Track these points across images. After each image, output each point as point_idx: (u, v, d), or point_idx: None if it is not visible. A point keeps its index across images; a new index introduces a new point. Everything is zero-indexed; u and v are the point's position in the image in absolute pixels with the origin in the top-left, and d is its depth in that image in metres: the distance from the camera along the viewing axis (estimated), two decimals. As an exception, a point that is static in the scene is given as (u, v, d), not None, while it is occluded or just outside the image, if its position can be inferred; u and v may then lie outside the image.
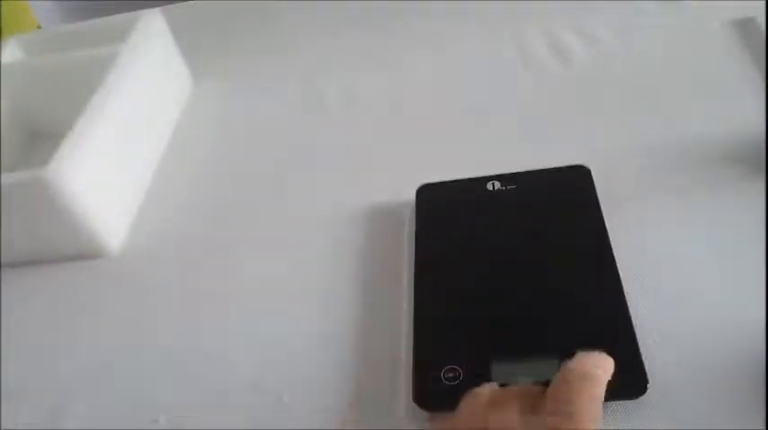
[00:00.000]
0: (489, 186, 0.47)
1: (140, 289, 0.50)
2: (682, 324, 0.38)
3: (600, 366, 0.33)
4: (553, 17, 0.63)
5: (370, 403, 0.39)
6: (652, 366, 0.35)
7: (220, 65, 0.69)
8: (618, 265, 0.40)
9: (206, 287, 0.49)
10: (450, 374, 0.37)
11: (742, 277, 0.39)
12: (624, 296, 0.38)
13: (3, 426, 0.43)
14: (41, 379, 0.46)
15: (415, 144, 0.55)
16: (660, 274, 0.41)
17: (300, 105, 0.62)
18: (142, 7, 0.64)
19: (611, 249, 0.41)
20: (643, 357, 0.36)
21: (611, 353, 0.36)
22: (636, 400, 0.35)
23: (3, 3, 1.07)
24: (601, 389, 0.32)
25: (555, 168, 0.47)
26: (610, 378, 0.33)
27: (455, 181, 0.48)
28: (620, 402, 0.35)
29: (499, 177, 0.47)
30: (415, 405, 0.37)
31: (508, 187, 0.47)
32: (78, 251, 0.52)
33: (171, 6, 0.75)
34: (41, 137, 0.64)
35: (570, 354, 0.34)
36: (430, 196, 0.48)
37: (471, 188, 0.47)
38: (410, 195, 0.48)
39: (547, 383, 0.34)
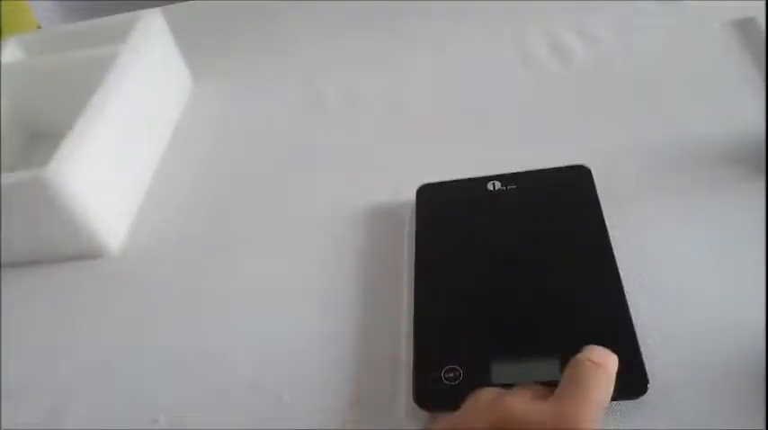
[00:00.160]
0: (489, 186, 0.47)
1: (140, 289, 0.50)
2: (682, 324, 0.38)
3: (610, 357, 0.33)
4: (553, 17, 0.63)
5: (370, 403, 0.39)
6: (652, 366, 0.35)
7: (220, 65, 0.69)
8: (618, 265, 0.40)
9: (206, 287, 0.49)
10: (451, 374, 0.37)
11: (742, 277, 0.39)
12: (624, 296, 0.38)
13: (3, 426, 0.43)
14: (41, 379, 0.46)
15: (415, 144, 0.55)
16: (660, 274, 0.41)
17: (300, 105, 0.62)
18: (142, 7, 0.64)
19: (611, 249, 0.41)
20: (643, 357, 0.36)
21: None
22: (636, 400, 0.35)
23: (3, 3, 1.07)
24: (612, 378, 0.33)
25: (555, 168, 0.47)
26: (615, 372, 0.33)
27: (455, 181, 0.48)
28: (621, 402, 0.35)
29: (499, 177, 0.47)
30: (415, 405, 0.37)
31: (508, 187, 0.47)
32: (78, 251, 0.52)
33: (171, 6, 0.75)
34: (41, 137, 0.64)
35: (571, 353, 0.34)
36: (430, 196, 0.48)
37: (471, 188, 0.47)
38: (410, 195, 0.48)
39: (548, 384, 0.34)
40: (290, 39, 0.71)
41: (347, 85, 0.62)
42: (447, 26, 0.66)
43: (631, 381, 0.35)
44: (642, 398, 0.35)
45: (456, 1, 0.68)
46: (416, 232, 0.46)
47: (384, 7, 0.70)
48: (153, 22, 0.62)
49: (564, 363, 0.36)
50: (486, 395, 0.33)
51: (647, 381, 0.35)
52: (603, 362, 0.33)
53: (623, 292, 0.39)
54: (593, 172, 0.46)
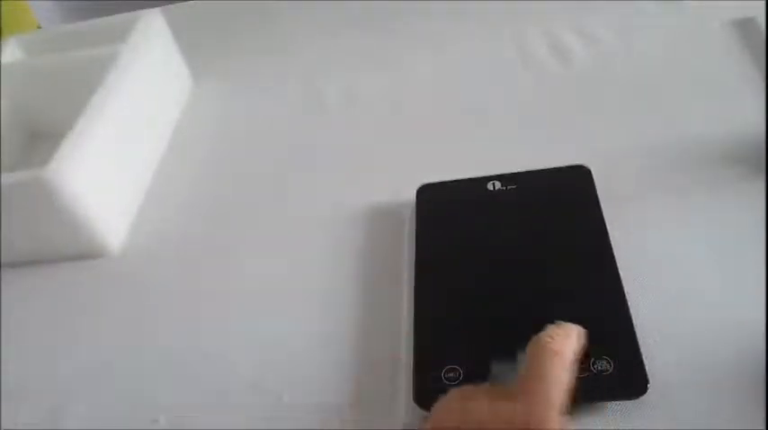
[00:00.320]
0: (489, 186, 0.47)
1: (140, 289, 0.50)
2: (682, 324, 0.38)
3: (568, 341, 0.33)
4: (553, 17, 0.63)
5: (370, 403, 0.39)
6: (652, 366, 0.35)
7: (220, 65, 0.69)
8: (618, 265, 0.40)
9: (206, 287, 0.49)
10: (451, 374, 0.37)
11: (742, 277, 0.39)
12: (624, 296, 0.38)
13: (3, 426, 0.43)
14: (41, 379, 0.46)
15: (415, 144, 0.55)
16: (660, 274, 0.41)
17: (300, 105, 0.62)
18: (142, 7, 0.64)
19: (611, 249, 0.41)
20: (643, 357, 0.36)
21: (611, 354, 0.36)
22: (636, 400, 0.35)
23: (3, 3, 1.07)
24: (567, 365, 0.32)
25: (555, 168, 0.47)
26: (581, 347, 0.33)
27: (455, 181, 0.48)
28: (620, 402, 0.35)
29: (499, 177, 0.47)
30: (415, 405, 0.37)
31: (508, 187, 0.47)
32: (78, 251, 0.52)
33: (171, 6, 0.75)
34: (41, 137, 0.64)
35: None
36: (430, 196, 0.48)
37: (471, 188, 0.47)
38: (410, 195, 0.48)
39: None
40: (290, 39, 0.71)
41: (347, 85, 0.62)
42: (447, 26, 0.66)
43: (631, 381, 0.35)
44: (642, 398, 0.35)
45: (456, 1, 0.68)
46: (416, 232, 0.46)
47: (384, 7, 0.70)
48: (153, 22, 0.62)
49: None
50: (458, 393, 0.33)
51: (647, 381, 0.35)
52: (561, 350, 0.32)
53: (623, 292, 0.39)
54: (593, 172, 0.46)
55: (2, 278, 0.53)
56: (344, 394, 0.40)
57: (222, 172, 0.58)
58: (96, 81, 0.54)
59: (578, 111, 0.54)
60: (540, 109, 0.55)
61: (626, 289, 0.39)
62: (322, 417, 0.39)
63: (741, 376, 0.35)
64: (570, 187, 0.46)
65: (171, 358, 0.44)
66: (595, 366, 0.36)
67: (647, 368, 0.35)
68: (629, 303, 0.38)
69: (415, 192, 0.48)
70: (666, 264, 0.41)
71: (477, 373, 0.36)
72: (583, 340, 0.33)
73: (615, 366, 0.35)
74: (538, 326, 0.38)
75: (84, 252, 0.52)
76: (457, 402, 0.32)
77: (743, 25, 0.56)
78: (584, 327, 0.38)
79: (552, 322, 0.38)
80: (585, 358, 0.36)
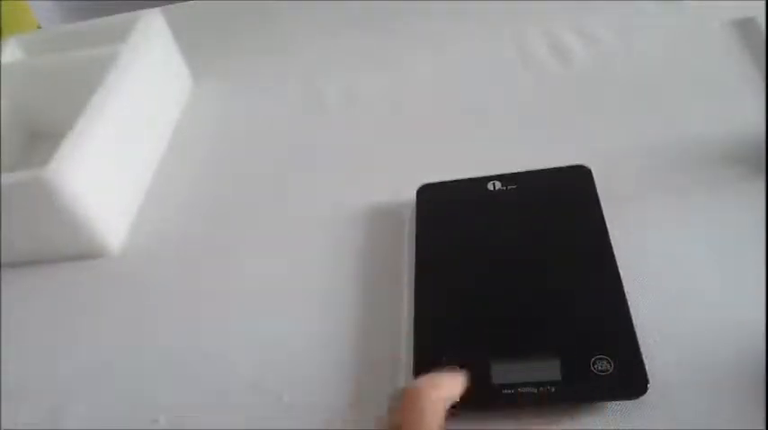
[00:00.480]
0: (489, 186, 0.47)
1: (140, 289, 0.50)
2: (682, 324, 0.38)
3: (441, 386, 0.33)
4: (553, 17, 0.63)
5: (370, 403, 0.39)
6: (652, 366, 0.35)
7: (220, 65, 0.69)
8: (618, 265, 0.40)
9: (206, 287, 0.49)
10: (451, 374, 0.37)
11: (742, 277, 0.39)
12: (624, 296, 0.38)
13: (3, 426, 0.43)
14: (41, 379, 0.46)
15: (415, 144, 0.55)
16: (660, 274, 0.41)
17: (300, 105, 0.62)
18: (142, 7, 0.64)
19: (611, 249, 0.41)
20: (643, 357, 0.36)
21: (611, 354, 0.36)
22: (636, 400, 0.35)
23: (3, 3, 1.07)
24: (440, 414, 0.32)
25: (555, 168, 0.47)
26: (457, 397, 0.33)
27: (455, 181, 0.48)
28: (620, 402, 0.35)
29: (499, 177, 0.47)
30: (415, 405, 0.37)
31: (508, 187, 0.47)
32: (78, 251, 0.52)
33: (171, 6, 0.75)
34: (41, 137, 0.64)
35: (571, 353, 0.34)
36: (430, 196, 0.48)
37: (471, 188, 0.47)
38: (410, 195, 0.48)
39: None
40: (290, 39, 0.71)
41: (347, 85, 0.62)
42: (447, 26, 0.66)
43: (631, 381, 0.35)
44: (642, 398, 0.35)
45: (456, 1, 0.68)
46: (416, 232, 0.46)
47: (384, 7, 0.70)
48: (153, 22, 0.62)
49: (564, 364, 0.36)
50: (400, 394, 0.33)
51: (647, 381, 0.35)
52: (434, 400, 0.32)
53: (623, 292, 0.39)
54: (593, 172, 0.46)
55: (2, 278, 0.53)
56: (344, 394, 0.40)
57: (222, 172, 0.58)
58: (96, 81, 0.54)
59: (578, 111, 0.54)
60: (540, 109, 0.55)
61: (626, 289, 0.39)
62: (322, 417, 0.39)
63: (741, 376, 0.35)
64: (570, 187, 0.46)
65: (171, 358, 0.44)
66: (595, 366, 0.36)
67: (647, 368, 0.35)
68: (629, 303, 0.38)
69: (415, 192, 0.48)
70: (666, 264, 0.41)
71: (477, 373, 0.36)
72: (459, 388, 0.34)
73: (615, 366, 0.35)
74: (538, 327, 0.39)
75: (84, 252, 0.52)
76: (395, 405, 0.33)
77: (743, 25, 0.56)
78: (584, 327, 0.38)
79: (552, 322, 0.39)
80: (585, 358, 0.36)
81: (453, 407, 0.34)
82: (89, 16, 0.69)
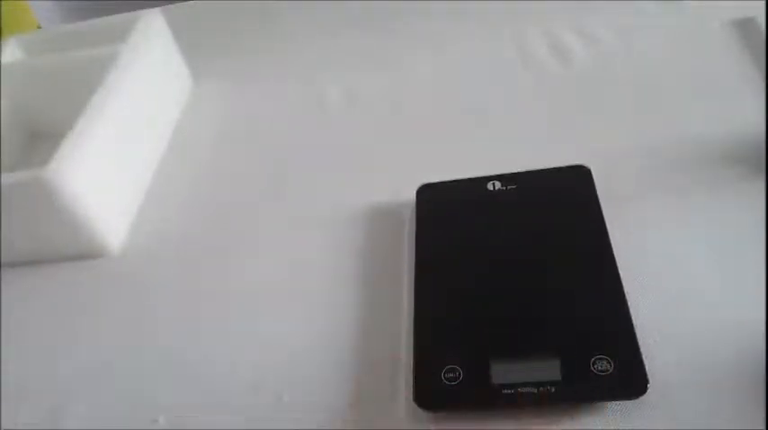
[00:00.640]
0: (489, 186, 0.47)
1: (140, 289, 0.50)
2: (682, 324, 0.38)
3: None
4: (553, 17, 0.63)
5: (370, 403, 0.39)
6: (652, 366, 0.35)
7: (220, 65, 0.69)
8: (618, 265, 0.40)
9: (206, 287, 0.49)
10: (451, 374, 0.37)
11: (742, 277, 0.39)
12: (624, 296, 0.38)
13: (3, 426, 0.43)
14: (41, 379, 0.46)
15: (415, 144, 0.55)
16: (660, 274, 0.41)
17: (300, 105, 0.62)
18: (142, 7, 0.64)
19: (611, 249, 0.41)
20: (643, 357, 0.36)
21: (611, 354, 0.36)
22: (636, 400, 0.35)
23: (3, 3, 1.07)
24: None
25: (555, 168, 0.47)
26: None
27: (455, 181, 0.48)
28: (620, 402, 0.35)
29: (499, 177, 0.47)
30: (415, 405, 0.37)
31: (508, 187, 0.47)
32: (78, 251, 0.52)
33: (171, 6, 0.75)
34: (41, 137, 0.64)
35: (571, 353, 0.33)
36: (430, 196, 0.48)
37: (471, 188, 0.47)
38: (410, 195, 0.48)
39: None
40: (290, 39, 0.71)
41: (347, 85, 0.62)
42: (447, 26, 0.66)
43: (631, 381, 0.35)
44: (642, 398, 0.35)
45: (456, 1, 0.68)
46: (416, 232, 0.46)
47: (384, 7, 0.70)
48: (153, 22, 0.62)
49: (564, 364, 0.36)
50: None
51: (647, 381, 0.35)
52: None
53: (623, 292, 0.39)
54: (593, 172, 0.46)
55: (2, 278, 0.53)
56: (344, 394, 0.40)
57: (222, 172, 0.58)
58: (96, 81, 0.54)
59: (578, 111, 0.54)
60: (540, 109, 0.55)
61: (626, 289, 0.39)
62: (322, 417, 0.39)
63: (741, 376, 0.35)
64: (570, 187, 0.46)
65: (171, 358, 0.44)
66: (595, 366, 0.36)
67: (647, 368, 0.35)
68: (629, 303, 0.38)
69: (415, 192, 0.48)
70: (666, 264, 0.41)
71: (477, 373, 0.36)
72: None
73: (615, 366, 0.35)
74: (538, 327, 0.39)
75: (84, 252, 0.52)
76: None
77: (743, 25, 0.56)
78: (584, 327, 0.38)
79: (552, 322, 0.39)
80: (585, 358, 0.36)
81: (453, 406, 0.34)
82: (89, 16, 0.69)
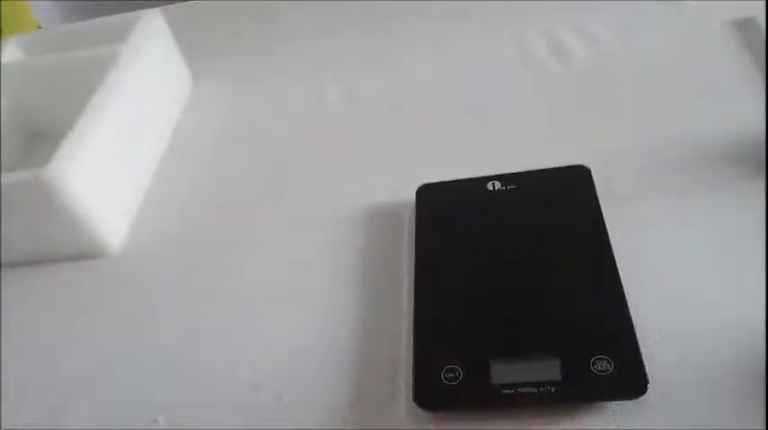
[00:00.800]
0: (489, 186, 0.47)
1: (140, 289, 0.50)
2: (682, 324, 0.38)
3: None
4: (553, 17, 0.63)
5: (370, 403, 0.39)
6: (652, 366, 0.35)
7: (220, 65, 0.69)
8: (618, 265, 0.40)
9: (206, 287, 0.49)
10: (451, 374, 0.37)
11: (742, 277, 0.39)
12: (624, 296, 0.38)
13: (3, 426, 0.43)
14: (41, 379, 0.46)
15: (415, 144, 0.55)
16: (660, 274, 0.41)
17: (300, 105, 0.62)
18: (142, 7, 0.64)
19: (611, 249, 0.41)
20: (643, 357, 0.36)
21: (611, 354, 0.36)
22: (636, 400, 0.35)
23: (3, 3, 1.07)
24: None
25: (555, 168, 0.47)
26: None
27: (455, 181, 0.48)
28: (620, 402, 0.35)
29: (499, 177, 0.47)
30: (415, 405, 0.37)
31: (508, 187, 0.47)
32: (78, 251, 0.52)
33: (171, 6, 0.75)
34: (41, 137, 0.64)
35: (571, 353, 0.34)
36: (430, 196, 0.48)
37: (471, 188, 0.47)
38: (410, 195, 0.48)
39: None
40: (290, 39, 0.71)
41: (347, 85, 0.62)
42: (447, 26, 0.66)
43: (631, 381, 0.35)
44: (642, 398, 0.35)
45: (456, 1, 0.68)
46: (416, 232, 0.46)
47: (384, 7, 0.70)
48: (153, 22, 0.62)
49: (564, 364, 0.36)
50: None
51: (647, 381, 0.35)
52: None
53: (623, 292, 0.39)
54: (593, 172, 0.46)
55: (2, 278, 0.53)
56: (344, 394, 0.40)
57: (222, 172, 0.58)
58: (96, 81, 0.54)
59: (578, 111, 0.54)
60: (540, 109, 0.55)
61: (626, 289, 0.39)
62: (322, 417, 0.39)
63: (741, 376, 0.35)
64: (570, 187, 0.46)
65: (171, 358, 0.44)
66: (595, 366, 0.36)
67: (647, 368, 0.35)
68: (629, 303, 0.38)
69: (414, 192, 0.48)
70: (666, 264, 0.41)
71: (477, 373, 0.36)
72: None
73: (615, 366, 0.35)
74: (538, 327, 0.39)
75: (84, 252, 0.52)
76: None
77: (743, 25, 0.56)
78: (584, 327, 0.38)
79: (552, 322, 0.39)
80: (585, 358, 0.36)
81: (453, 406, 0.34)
82: (89, 16, 0.69)
